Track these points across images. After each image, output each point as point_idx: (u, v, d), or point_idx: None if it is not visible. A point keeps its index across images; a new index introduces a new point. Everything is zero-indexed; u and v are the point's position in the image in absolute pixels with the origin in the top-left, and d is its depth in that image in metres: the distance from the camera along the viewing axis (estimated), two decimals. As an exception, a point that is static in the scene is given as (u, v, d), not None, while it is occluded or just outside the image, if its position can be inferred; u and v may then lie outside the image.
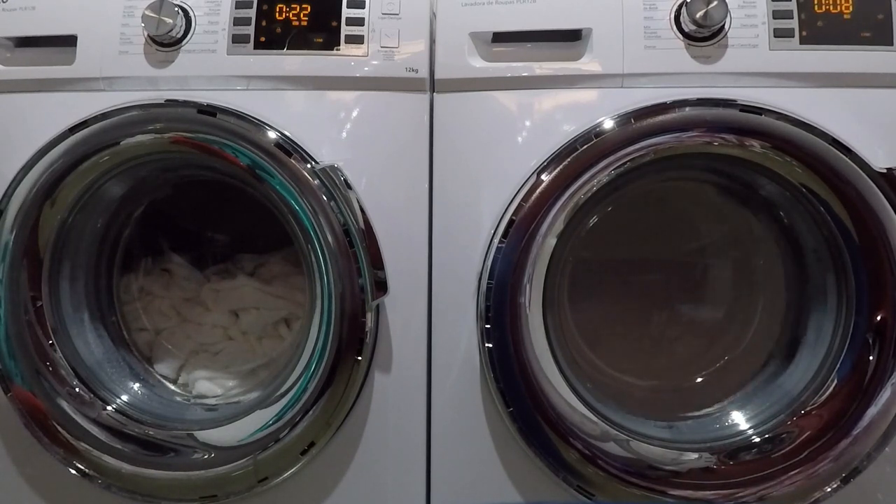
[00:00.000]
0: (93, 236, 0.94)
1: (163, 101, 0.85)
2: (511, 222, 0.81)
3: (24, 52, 0.91)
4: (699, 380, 0.98)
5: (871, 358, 0.79)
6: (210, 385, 0.98)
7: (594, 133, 0.81)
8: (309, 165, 0.82)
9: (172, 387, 0.99)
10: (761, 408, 0.87)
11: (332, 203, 0.81)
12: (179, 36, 0.86)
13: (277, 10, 0.86)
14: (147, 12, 0.84)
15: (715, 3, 0.79)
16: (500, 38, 0.86)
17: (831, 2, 0.81)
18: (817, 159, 0.78)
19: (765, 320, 0.97)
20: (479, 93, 0.86)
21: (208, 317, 1.02)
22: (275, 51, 0.86)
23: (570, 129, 0.84)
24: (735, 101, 0.81)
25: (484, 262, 0.83)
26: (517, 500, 0.85)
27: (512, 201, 0.82)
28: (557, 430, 0.80)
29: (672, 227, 1.01)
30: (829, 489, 0.79)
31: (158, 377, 0.99)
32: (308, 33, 0.86)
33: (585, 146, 0.81)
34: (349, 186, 0.82)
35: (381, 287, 0.80)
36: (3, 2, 0.89)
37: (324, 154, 0.85)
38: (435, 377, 0.87)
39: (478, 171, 0.86)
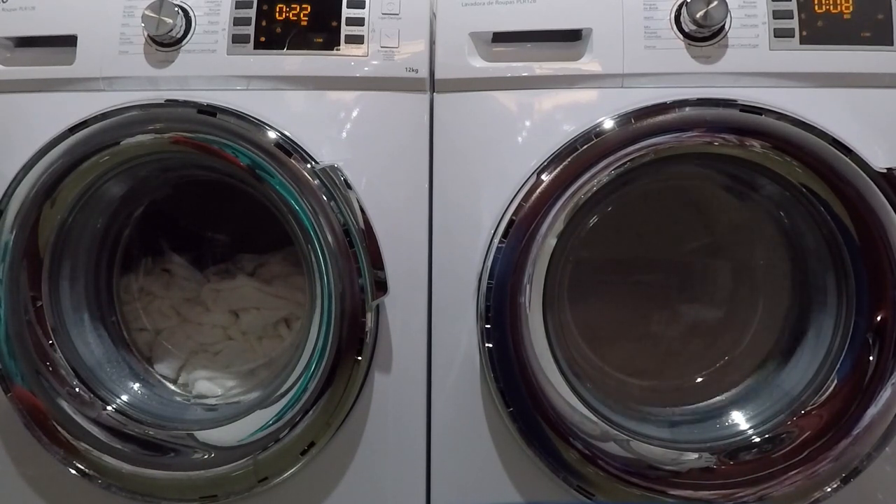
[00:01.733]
0: (93, 236, 0.94)
1: (163, 101, 0.85)
2: (511, 222, 0.81)
3: (24, 52, 0.91)
4: (699, 380, 0.98)
5: (871, 358, 0.79)
6: (210, 385, 0.98)
7: (594, 133, 0.81)
8: (309, 165, 0.82)
9: (172, 387, 0.99)
10: (761, 408, 0.87)
11: (332, 203, 0.81)
12: (179, 36, 0.86)
13: (277, 10, 0.86)
14: (147, 12, 0.84)
15: (715, 3, 0.79)
16: (500, 38, 0.86)
17: (831, 2, 0.81)
18: (817, 159, 0.78)
19: (765, 320, 0.97)
20: (479, 93, 0.86)
21: (208, 317, 1.02)
22: (275, 51, 0.86)
23: (570, 129, 0.84)
24: (735, 101, 0.81)
25: (484, 262, 0.83)
26: (517, 500, 0.85)
27: (512, 201, 0.82)
28: (557, 430, 0.80)
29: (672, 227, 1.01)
30: (829, 489, 0.79)
31: (158, 377, 0.99)
32: (308, 33, 0.86)
33: (585, 146, 0.81)
34: (349, 186, 0.82)
35: (381, 287, 0.80)
36: (4, 2, 0.89)
37: (324, 154, 0.85)
38: (435, 377, 0.87)
39: (478, 171, 0.86)
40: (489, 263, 0.81)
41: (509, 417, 0.81)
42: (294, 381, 0.82)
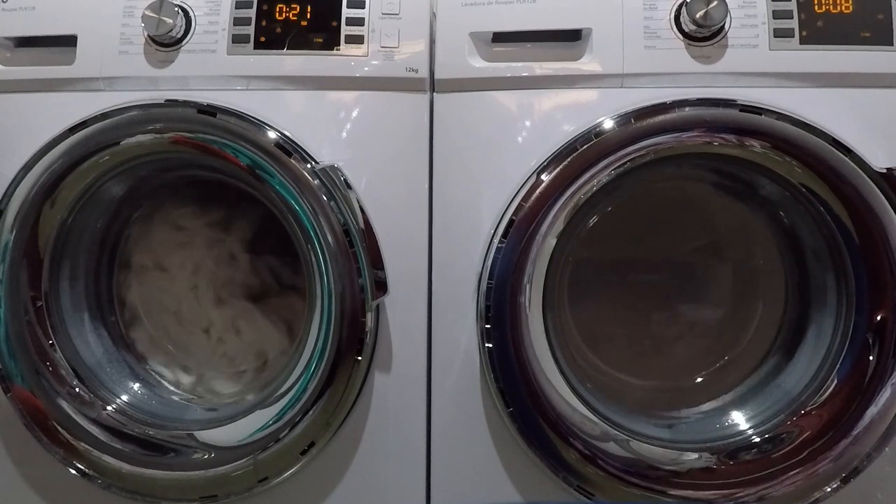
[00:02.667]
0: (93, 236, 0.94)
1: (163, 101, 0.85)
2: (511, 222, 0.81)
3: (24, 52, 0.91)
4: (699, 380, 0.98)
5: (871, 358, 0.79)
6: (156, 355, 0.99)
7: (594, 133, 0.81)
8: (309, 165, 0.82)
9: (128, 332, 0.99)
10: (761, 408, 0.87)
11: (332, 203, 0.81)
12: (179, 36, 0.86)
13: (277, 10, 0.86)
14: (147, 12, 0.84)
15: (715, 3, 0.79)
16: (500, 38, 0.86)
17: (831, 2, 0.81)
18: (817, 159, 0.78)
19: (765, 320, 0.97)
20: (479, 93, 0.86)
21: (207, 309, 1.00)
22: (275, 51, 0.86)
23: (570, 129, 0.84)
24: (735, 101, 0.81)
25: (484, 261, 0.83)
26: (517, 500, 0.85)
27: (512, 201, 0.82)
28: (557, 430, 0.80)
29: (672, 227, 1.00)
30: (829, 489, 0.79)
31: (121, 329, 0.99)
32: (308, 33, 0.86)
33: (585, 146, 0.81)
34: (349, 186, 0.82)
35: (381, 287, 0.80)
36: (4, 2, 0.89)
37: (324, 154, 0.85)
38: (435, 377, 0.87)
39: (478, 171, 0.86)
40: (489, 263, 0.81)
41: (509, 417, 0.81)
42: (294, 380, 0.82)
